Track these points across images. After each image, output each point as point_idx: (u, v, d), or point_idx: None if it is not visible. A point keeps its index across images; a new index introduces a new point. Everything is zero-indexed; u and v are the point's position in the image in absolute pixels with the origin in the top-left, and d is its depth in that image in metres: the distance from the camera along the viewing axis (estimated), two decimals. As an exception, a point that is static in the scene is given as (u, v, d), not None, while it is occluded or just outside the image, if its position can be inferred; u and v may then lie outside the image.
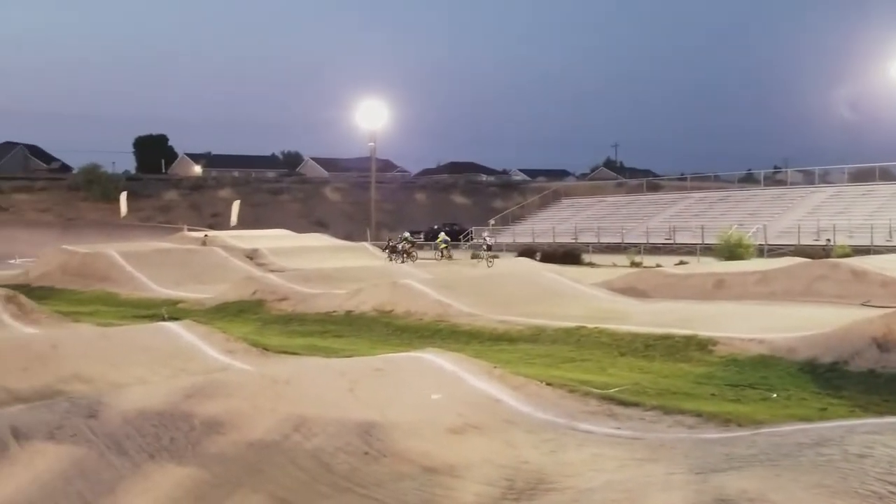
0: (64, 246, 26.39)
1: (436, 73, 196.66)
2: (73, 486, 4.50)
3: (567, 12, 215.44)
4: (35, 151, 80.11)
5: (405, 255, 28.14)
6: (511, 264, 24.88)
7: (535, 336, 10.90)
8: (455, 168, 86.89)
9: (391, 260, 28.08)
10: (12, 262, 33.15)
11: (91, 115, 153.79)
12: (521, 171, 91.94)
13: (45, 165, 76.25)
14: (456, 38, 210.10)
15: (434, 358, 7.54)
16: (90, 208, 54.54)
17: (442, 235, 32.27)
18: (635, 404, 7.08)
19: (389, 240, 29.68)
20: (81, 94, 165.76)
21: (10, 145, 77.51)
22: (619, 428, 6.39)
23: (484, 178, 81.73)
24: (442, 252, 30.02)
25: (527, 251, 32.50)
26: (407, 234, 30.99)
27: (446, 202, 66.66)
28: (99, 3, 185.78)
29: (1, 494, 4.32)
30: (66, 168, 73.38)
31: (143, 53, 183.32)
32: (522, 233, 45.20)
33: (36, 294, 17.85)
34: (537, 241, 40.52)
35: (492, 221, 48.25)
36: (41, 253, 27.44)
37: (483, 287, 14.76)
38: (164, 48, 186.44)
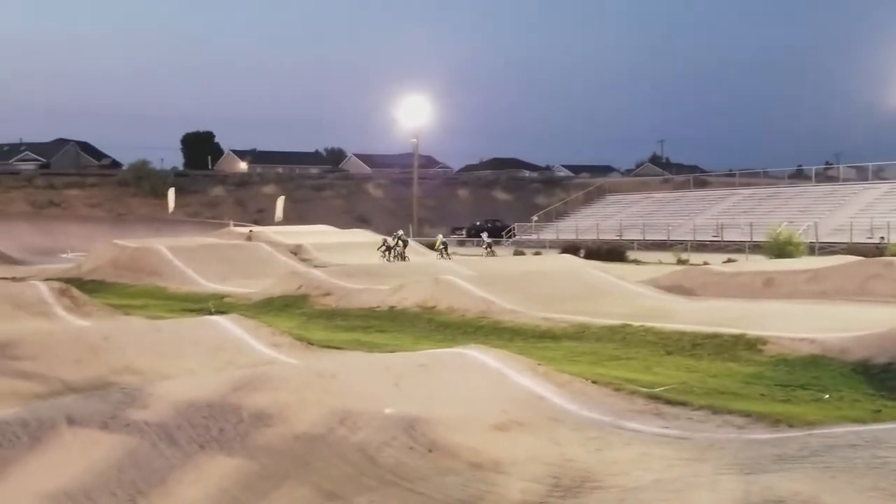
0: (115, 241, 26.95)
1: (478, 69, 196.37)
2: (126, 475, 4.60)
3: (612, 4, 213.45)
4: (86, 148, 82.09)
5: (400, 257, 28.14)
6: (554, 261, 24.75)
7: (579, 334, 10.82)
8: (497, 164, 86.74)
9: (386, 259, 28.05)
10: (65, 255, 34.05)
11: (141, 112, 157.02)
12: (564, 166, 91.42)
13: (96, 162, 78.08)
14: (499, 32, 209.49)
15: (478, 354, 7.53)
16: (139, 204, 55.68)
17: (440, 237, 32.09)
18: (682, 404, 6.98)
19: (385, 240, 29.70)
20: (131, 93, 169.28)
21: (62, 142, 79.58)
22: (666, 427, 6.31)
23: (527, 173, 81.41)
24: (441, 252, 29.63)
25: (570, 248, 32.34)
26: (401, 233, 30.95)
27: (488, 198, 66.52)
28: (147, 4, 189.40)
29: (57, 482, 4.43)
30: (116, 164, 75.03)
31: (190, 52, 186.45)
32: (566, 229, 44.92)
33: (88, 287, 18.26)
34: (581, 237, 40.23)
35: (535, 218, 48.06)
36: (92, 247, 28.06)
37: (526, 284, 14.71)
38: (210, 47, 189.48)
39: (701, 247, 34.30)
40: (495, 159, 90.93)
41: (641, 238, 38.17)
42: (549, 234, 44.14)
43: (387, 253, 28.57)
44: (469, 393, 6.59)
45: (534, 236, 45.21)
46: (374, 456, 5.32)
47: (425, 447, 5.53)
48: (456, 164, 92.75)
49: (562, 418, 6.38)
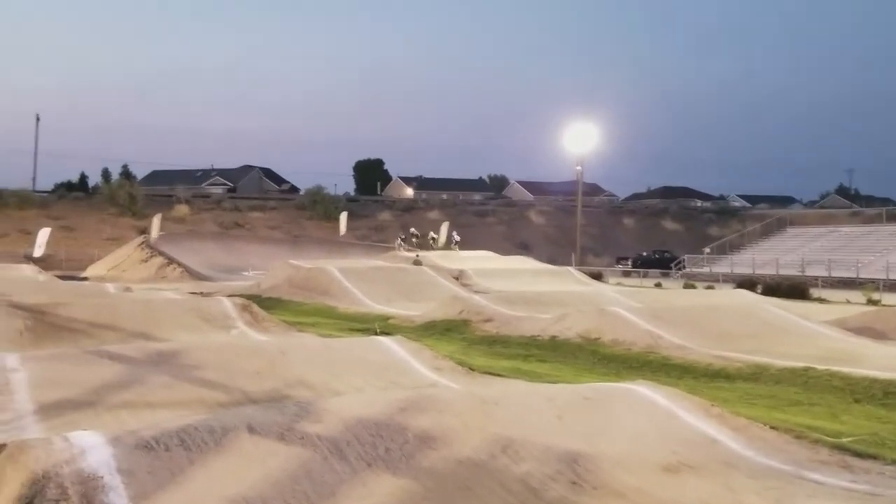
0: (291, 261, 28.53)
1: (648, 95, 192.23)
2: (300, 486, 4.78)
3: (793, 24, 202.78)
4: (269, 174, 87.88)
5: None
6: (728, 296, 23.57)
7: (756, 375, 10.20)
8: (667, 193, 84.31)
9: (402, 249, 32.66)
10: (247, 273, 36.44)
11: (318, 140, 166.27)
12: (740, 196, 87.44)
13: (276, 187, 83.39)
14: (669, 58, 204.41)
15: (646, 391, 7.26)
16: (314, 226, 58.75)
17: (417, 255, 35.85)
18: (873, 457, 6.38)
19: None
20: (310, 122, 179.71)
21: (248, 168, 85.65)
22: (854, 481, 5.79)
23: (699, 203, 78.44)
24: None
25: (746, 283, 30.71)
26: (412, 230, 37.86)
27: (657, 228, 64.69)
28: (319, 38, 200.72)
29: (238, 488, 4.68)
30: (294, 189, 79.75)
31: (363, 82, 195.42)
32: (741, 263, 42.78)
33: (266, 304, 19.36)
34: (758, 272, 38.17)
35: (707, 249, 46.18)
36: (271, 266, 29.85)
37: (697, 318, 14.08)
38: (381, 77, 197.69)
39: (894, 286, 31.56)
40: (665, 188, 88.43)
41: (826, 275, 35.61)
42: (722, 268, 42.21)
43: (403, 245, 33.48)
44: (636, 430, 6.35)
45: (706, 269, 43.39)
46: (536, 488, 5.24)
47: (590, 484, 5.38)
48: (622, 192, 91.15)
49: (737, 464, 6.01)
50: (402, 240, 38.00)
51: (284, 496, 4.67)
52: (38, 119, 70.87)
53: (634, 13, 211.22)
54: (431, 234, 40.78)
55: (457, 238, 44.45)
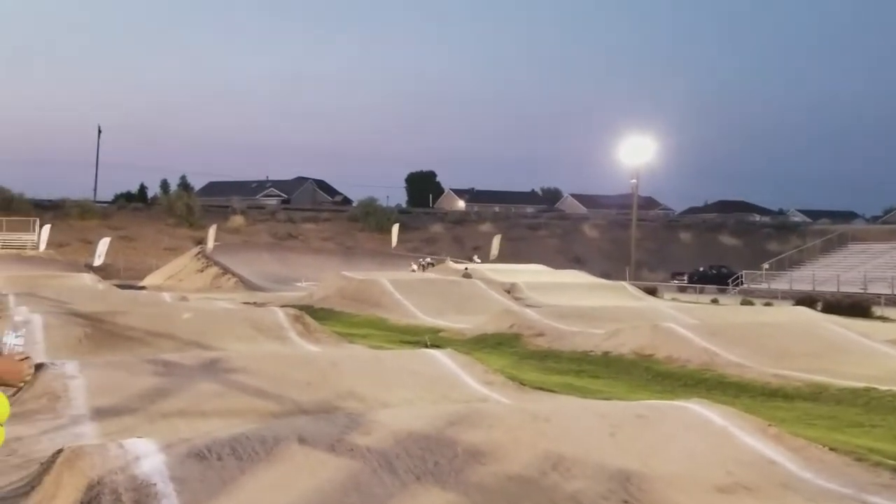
0: (343, 272, 28.78)
1: (706, 107, 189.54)
2: (349, 497, 4.78)
3: (845, 31, 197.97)
4: (322, 186, 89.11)
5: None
6: (787, 313, 22.98)
7: (816, 395, 9.90)
8: (724, 207, 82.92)
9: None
10: (299, 284, 36.87)
11: (370, 153, 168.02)
12: (800, 211, 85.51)
13: (329, 199, 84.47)
14: (727, 69, 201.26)
15: (701, 409, 7.09)
16: (366, 238, 59.28)
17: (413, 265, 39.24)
18: (938, 482, 6.11)
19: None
20: (363, 134, 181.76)
21: (301, 180, 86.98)
22: (920, 508, 5.55)
23: (757, 218, 76.96)
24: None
25: (806, 300, 29.96)
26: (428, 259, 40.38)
27: (713, 243, 63.57)
28: (378, 51, 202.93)
29: (287, 497, 4.70)
30: (347, 201, 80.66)
31: (415, 94, 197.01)
32: (801, 279, 41.76)
33: (318, 315, 19.53)
34: (818, 289, 37.18)
35: (765, 265, 45.19)
36: (323, 278, 30.14)
37: (755, 336, 13.73)
38: (434, 89, 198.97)
39: (960, 305, 30.43)
40: (722, 201, 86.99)
41: (889, 292, 34.53)
42: (781, 284, 41.25)
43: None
44: (690, 450, 6.20)
45: (764, 285, 42.46)
46: (587, 506, 5.14)
47: (642, 503, 5.27)
48: (678, 206, 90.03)
49: (795, 486, 5.81)
50: (422, 265, 39.85)
51: (333, 508, 4.67)
52: (99, 131, 73.36)
53: (691, 24, 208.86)
54: (430, 259, 42.05)
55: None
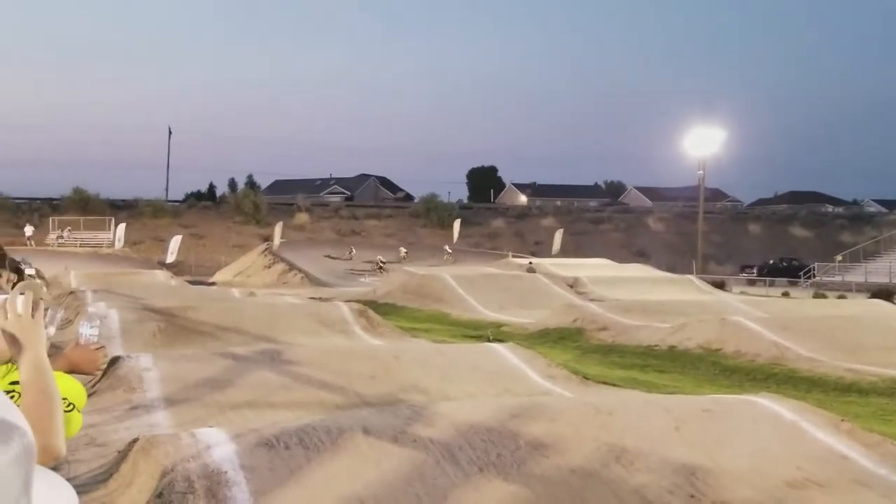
0: (405, 268, 29.00)
1: (776, 96, 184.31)
2: (412, 487, 4.84)
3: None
4: (384, 182, 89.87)
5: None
6: (861, 306, 22.22)
7: (892, 390, 9.56)
8: (795, 198, 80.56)
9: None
10: (363, 280, 37.36)
11: (432, 149, 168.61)
12: (875, 201, 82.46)
13: (392, 195, 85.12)
14: (797, 57, 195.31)
15: (770, 404, 6.93)
16: (428, 234, 59.59)
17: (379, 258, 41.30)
18: None
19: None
20: (425, 131, 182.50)
21: (364, 177, 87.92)
22: None
23: (830, 208, 74.47)
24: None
25: (882, 292, 28.89)
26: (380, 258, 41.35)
27: (784, 235, 61.86)
28: (439, 48, 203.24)
29: (353, 487, 4.79)
30: (409, 197, 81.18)
31: (476, 89, 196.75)
32: (876, 271, 40.31)
33: (381, 310, 19.73)
34: (895, 281, 35.82)
35: (839, 257, 43.76)
36: (386, 273, 30.43)
37: (828, 329, 13.34)
38: (495, 84, 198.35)
39: None
40: (793, 192, 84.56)
41: (970, 284, 33.07)
42: (855, 276, 39.90)
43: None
44: (758, 444, 6.07)
45: (837, 278, 41.15)
46: (652, 500, 5.09)
47: (708, 498, 5.19)
48: (747, 198, 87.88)
49: (869, 483, 5.64)
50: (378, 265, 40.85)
51: (397, 497, 4.74)
52: (170, 132, 75.45)
53: (756, 12, 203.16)
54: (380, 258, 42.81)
55: (403, 251, 46.24)
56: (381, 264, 40.36)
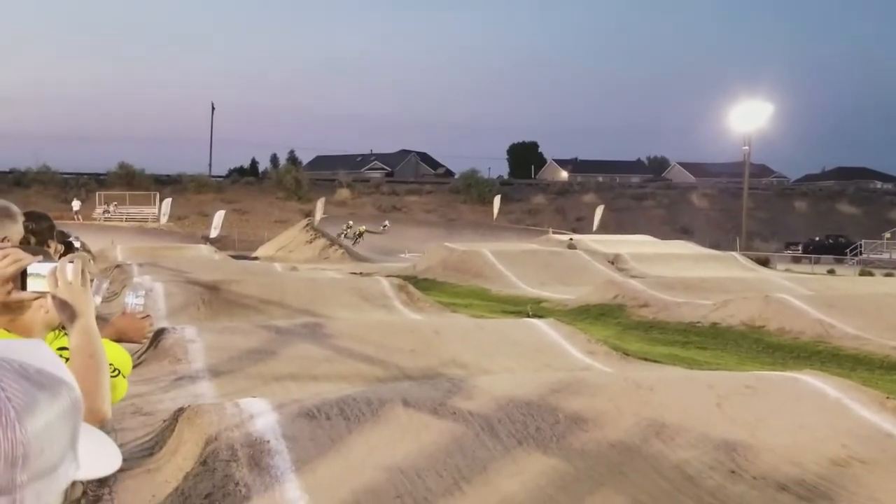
0: (445, 244, 29.05)
1: (824, 70, 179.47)
2: (452, 459, 4.89)
3: None
4: (425, 158, 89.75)
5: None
6: (909, 284, 21.71)
7: (941, 368, 9.36)
8: (843, 174, 78.57)
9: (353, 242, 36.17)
10: (403, 255, 37.49)
11: (473, 125, 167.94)
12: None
13: (432, 171, 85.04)
14: (845, 29, 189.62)
15: (814, 381, 6.83)
16: (468, 210, 59.51)
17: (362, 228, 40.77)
18: None
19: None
20: (465, 107, 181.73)
21: (404, 153, 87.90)
22: None
23: (879, 185, 72.51)
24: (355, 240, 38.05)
25: (930, 270, 28.19)
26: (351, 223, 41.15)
27: (831, 211, 60.52)
28: (478, 24, 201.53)
29: (393, 457, 4.85)
30: (449, 173, 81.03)
31: (517, 65, 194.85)
32: (925, 249, 39.32)
33: (421, 285, 19.83)
34: (944, 259, 34.88)
35: (887, 234, 42.72)
36: (426, 249, 30.52)
37: (874, 307, 13.06)
38: (536, 59, 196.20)
39: None
40: (840, 168, 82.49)
41: None
42: (903, 254, 38.95)
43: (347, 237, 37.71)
44: (802, 421, 6.00)
45: (885, 255, 40.20)
46: (692, 476, 5.07)
47: (749, 474, 5.15)
48: (793, 174, 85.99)
49: (915, 462, 5.54)
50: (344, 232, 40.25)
51: (437, 468, 4.79)
52: (213, 108, 76.20)
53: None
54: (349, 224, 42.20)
55: (385, 224, 45.86)
56: (358, 233, 40.33)
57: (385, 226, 45.26)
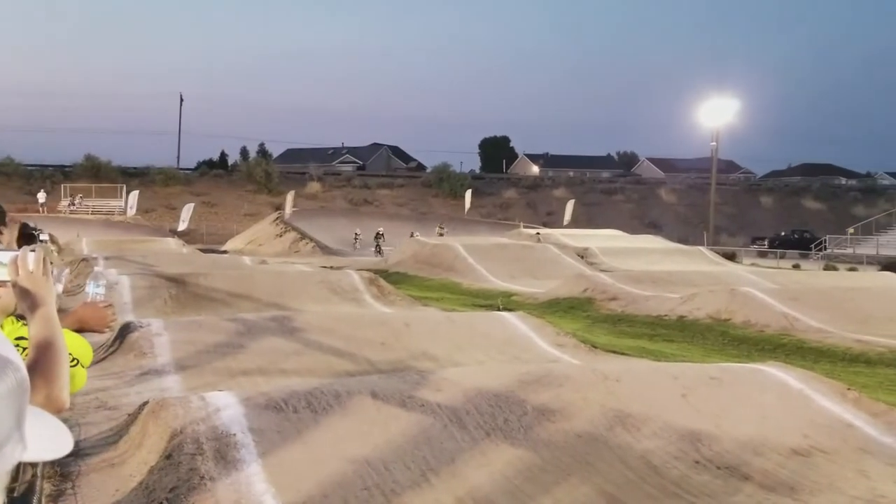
0: (417, 237, 29.02)
1: (790, 67, 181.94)
2: (420, 451, 4.90)
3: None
4: (396, 152, 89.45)
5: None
6: (872, 279, 22.13)
7: (901, 360, 9.56)
8: (808, 170, 79.73)
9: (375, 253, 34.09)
10: (372, 248, 37.36)
11: (444, 119, 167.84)
12: (888, 174, 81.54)
13: (404, 165, 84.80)
14: (811, 28, 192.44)
15: (777, 372, 6.95)
16: (440, 204, 59.45)
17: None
18: None
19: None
20: (437, 101, 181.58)
21: (376, 146, 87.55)
22: None
23: (843, 181, 73.72)
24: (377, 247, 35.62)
25: (893, 265, 28.72)
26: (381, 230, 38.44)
27: (796, 207, 61.42)
28: (450, 17, 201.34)
29: (361, 449, 4.85)
30: (421, 167, 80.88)
31: (490, 60, 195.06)
32: (888, 244, 40.05)
33: (392, 278, 19.82)
34: (906, 254, 35.57)
35: (850, 230, 43.40)
36: (398, 242, 30.46)
37: (837, 301, 13.30)
38: (507, 54, 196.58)
39: None
40: (806, 164, 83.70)
41: (984, 258, 32.78)
42: (867, 249, 39.60)
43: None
44: (765, 412, 6.10)
45: (849, 250, 40.85)
46: (657, 466, 5.14)
47: (714, 464, 5.23)
48: (760, 170, 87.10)
49: (873, 450, 5.66)
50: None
51: (405, 460, 4.80)
52: (181, 100, 75.36)
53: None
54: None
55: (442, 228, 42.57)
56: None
57: (442, 230, 40.58)
